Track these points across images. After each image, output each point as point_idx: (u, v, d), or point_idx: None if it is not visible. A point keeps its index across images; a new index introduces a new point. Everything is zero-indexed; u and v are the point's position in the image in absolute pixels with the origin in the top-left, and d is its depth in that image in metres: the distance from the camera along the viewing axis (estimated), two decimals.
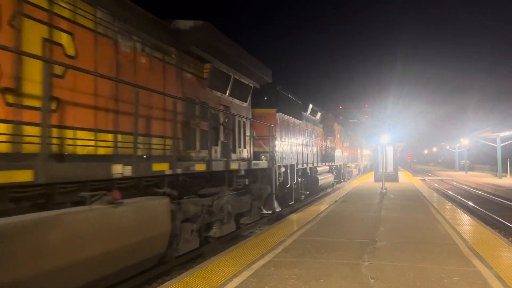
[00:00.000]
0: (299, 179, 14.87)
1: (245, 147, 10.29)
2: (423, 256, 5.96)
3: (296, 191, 14.45)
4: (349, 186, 22.01)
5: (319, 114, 20.04)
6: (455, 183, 32.27)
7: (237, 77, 9.78)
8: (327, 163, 20.33)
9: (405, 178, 29.29)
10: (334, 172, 22.61)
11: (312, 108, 18.06)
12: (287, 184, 12.66)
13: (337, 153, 23.61)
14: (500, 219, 13.12)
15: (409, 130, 61.31)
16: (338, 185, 23.79)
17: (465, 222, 9.33)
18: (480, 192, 23.54)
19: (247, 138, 10.53)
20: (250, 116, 10.95)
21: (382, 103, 43.99)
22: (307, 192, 16.24)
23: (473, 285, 4.62)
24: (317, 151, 18.22)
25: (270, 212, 11.05)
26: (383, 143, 21.26)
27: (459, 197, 21.04)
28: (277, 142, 12.24)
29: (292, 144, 14.10)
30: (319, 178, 17.60)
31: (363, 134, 42.37)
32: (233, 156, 9.46)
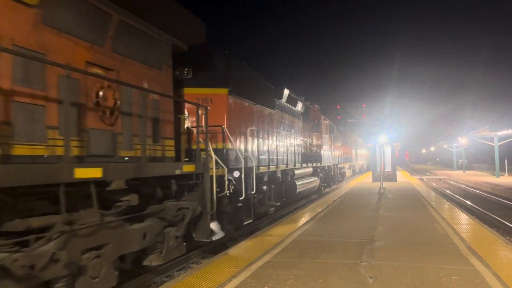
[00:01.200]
0: (265, 187, 11.18)
1: (158, 141, 6.40)
2: (421, 255, 5.97)
3: (262, 203, 10.93)
4: (346, 186, 22.04)
5: (300, 104, 15.90)
6: (453, 182, 32.39)
7: (131, 22, 5.74)
8: (311, 164, 16.61)
9: (403, 178, 29.37)
10: (321, 175, 18.71)
11: (289, 96, 13.84)
12: (241, 196, 8.89)
13: (326, 152, 20.15)
14: (498, 218, 13.17)
15: (407, 129, 61.33)
16: (327, 190, 20.33)
17: (463, 221, 9.35)
18: (478, 191, 23.63)
19: (168, 127, 6.76)
20: (171, 93, 6.98)
21: (380, 102, 44.10)
22: (278, 204, 12.34)
23: (471, 284, 4.63)
24: (295, 149, 14.50)
25: (208, 240, 7.38)
26: (381, 143, 21.31)
27: (457, 196, 21.11)
28: (233, 137, 8.93)
29: (255, 140, 10.52)
30: (297, 183, 13.67)
31: (361, 133, 42.45)
32: (128, 154, 5.60)
